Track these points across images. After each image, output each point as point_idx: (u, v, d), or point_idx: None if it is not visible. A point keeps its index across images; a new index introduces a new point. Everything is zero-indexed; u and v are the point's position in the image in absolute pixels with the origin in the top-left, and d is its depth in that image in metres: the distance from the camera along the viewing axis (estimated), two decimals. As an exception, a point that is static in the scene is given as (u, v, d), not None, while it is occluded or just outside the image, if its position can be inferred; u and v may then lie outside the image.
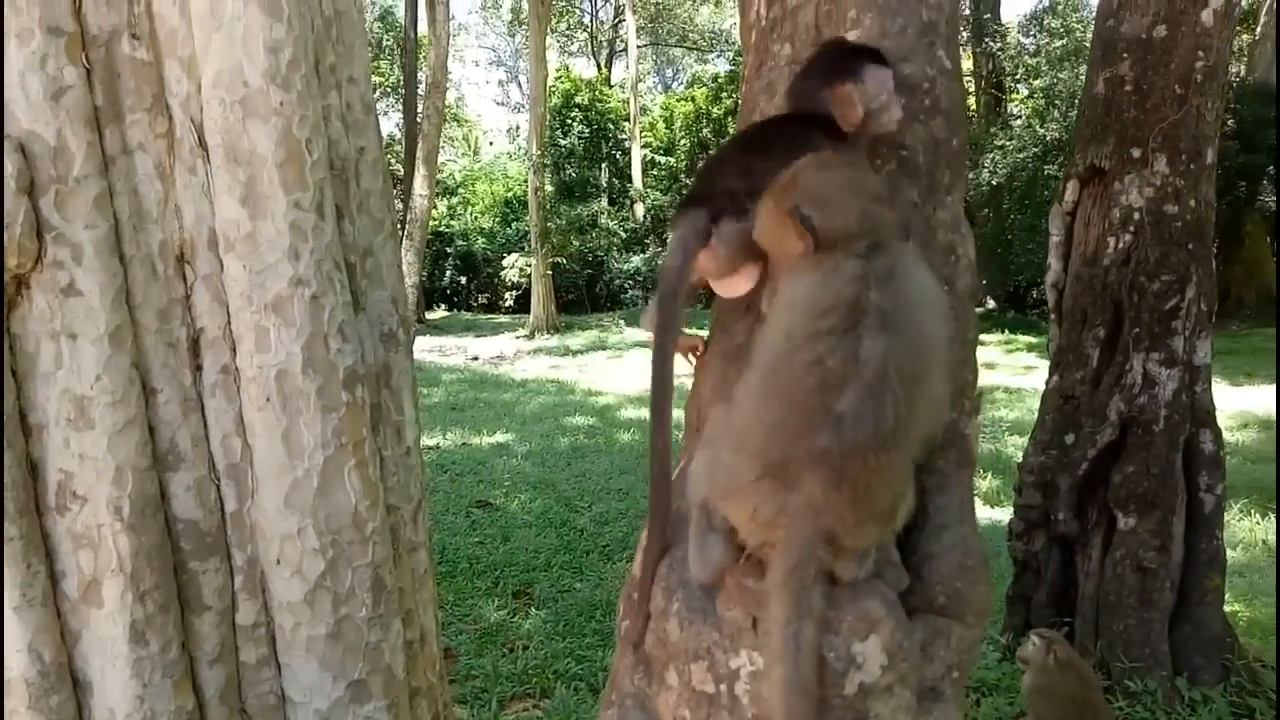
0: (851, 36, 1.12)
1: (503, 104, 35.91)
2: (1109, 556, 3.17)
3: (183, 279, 1.44)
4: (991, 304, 17.79)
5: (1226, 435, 7.81)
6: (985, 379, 11.29)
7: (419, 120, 18.67)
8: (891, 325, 1.02)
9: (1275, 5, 13.56)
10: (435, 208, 22.76)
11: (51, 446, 1.34)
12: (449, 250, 24.97)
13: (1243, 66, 15.10)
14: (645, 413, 9.54)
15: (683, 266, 1.24)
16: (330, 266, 1.45)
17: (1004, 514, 4.81)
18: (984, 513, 5.86)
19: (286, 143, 1.39)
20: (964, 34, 17.80)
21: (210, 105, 1.39)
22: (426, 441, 8.06)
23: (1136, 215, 3.18)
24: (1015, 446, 7.69)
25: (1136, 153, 3.20)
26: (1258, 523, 5.61)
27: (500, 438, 8.33)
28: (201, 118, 1.41)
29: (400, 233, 18.29)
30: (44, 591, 1.35)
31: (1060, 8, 16.61)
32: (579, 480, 6.75)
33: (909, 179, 1.13)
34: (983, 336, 15.30)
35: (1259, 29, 14.55)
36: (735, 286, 1.25)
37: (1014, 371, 12.01)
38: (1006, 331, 15.77)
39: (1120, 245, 3.21)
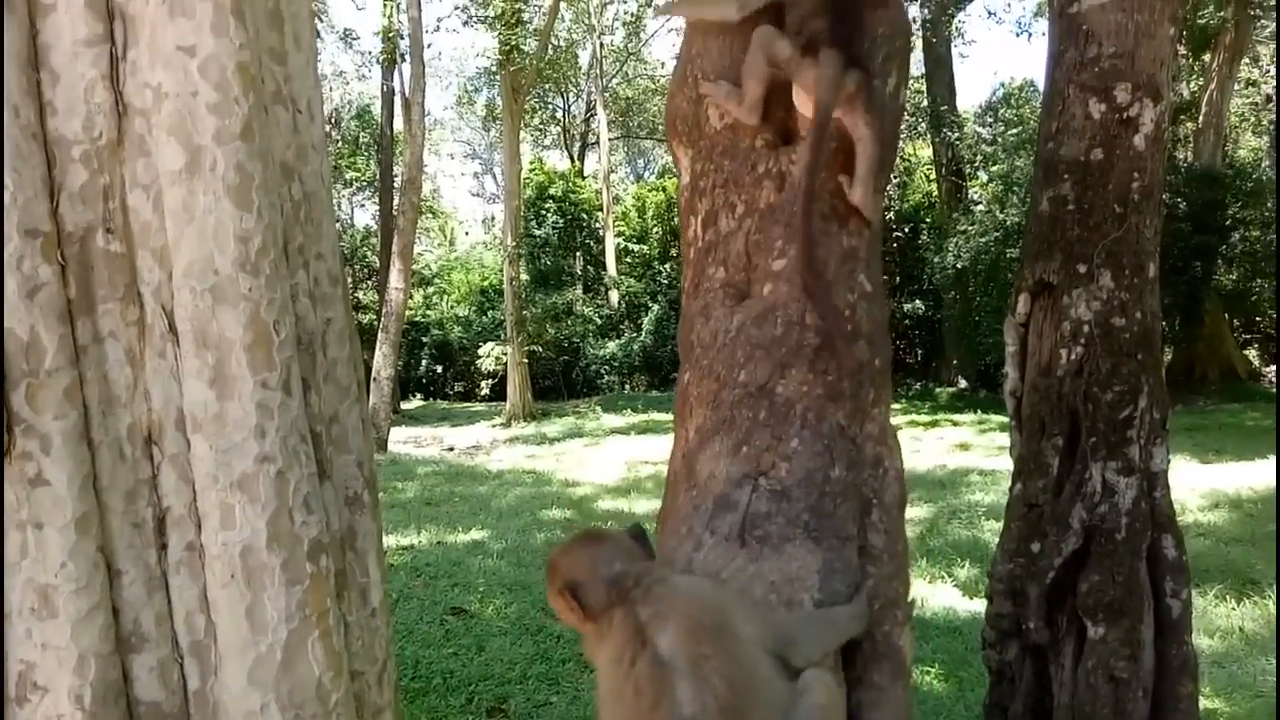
0: (777, 266, 1.20)
1: (478, 195, 36.59)
2: (1081, 666, 3.19)
3: (150, 459, 1.47)
4: (963, 383, 18.03)
5: (1198, 516, 7.87)
6: (959, 461, 11.40)
7: (395, 214, 18.95)
8: (673, 655, 1.22)
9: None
10: (411, 298, 22.92)
11: (14, 637, 1.35)
12: (424, 340, 25.05)
13: (1189, 153, 15.76)
14: (622, 504, 9.52)
15: (830, 105, 1.48)
16: (296, 440, 1.49)
17: (981, 606, 4.82)
18: (962, 604, 5.85)
19: (255, 326, 1.45)
20: (922, 124, 18.50)
21: (181, 293, 1.45)
22: (401, 541, 7.96)
23: (1086, 328, 3.30)
24: (992, 532, 7.71)
25: (1082, 268, 3.34)
26: (1233, 609, 5.63)
27: (476, 535, 8.25)
28: (172, 304, 1.47)
29: (376, 325, 18.40)
30: (1, 781, 1.34)
31: (1013, 99, 17.34)
32: (556, 582, 6.68)
33: (833, 403, 1.20)
34: (955, 417, 15.53)
35: (1200, 118, 15.25)
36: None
37: (988, 452, 12.12)
38: (979, 411, 15.95)
39: (1072, 357, 3.32)
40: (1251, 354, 17.56)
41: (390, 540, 8.14)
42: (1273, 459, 9.42)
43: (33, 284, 1.36)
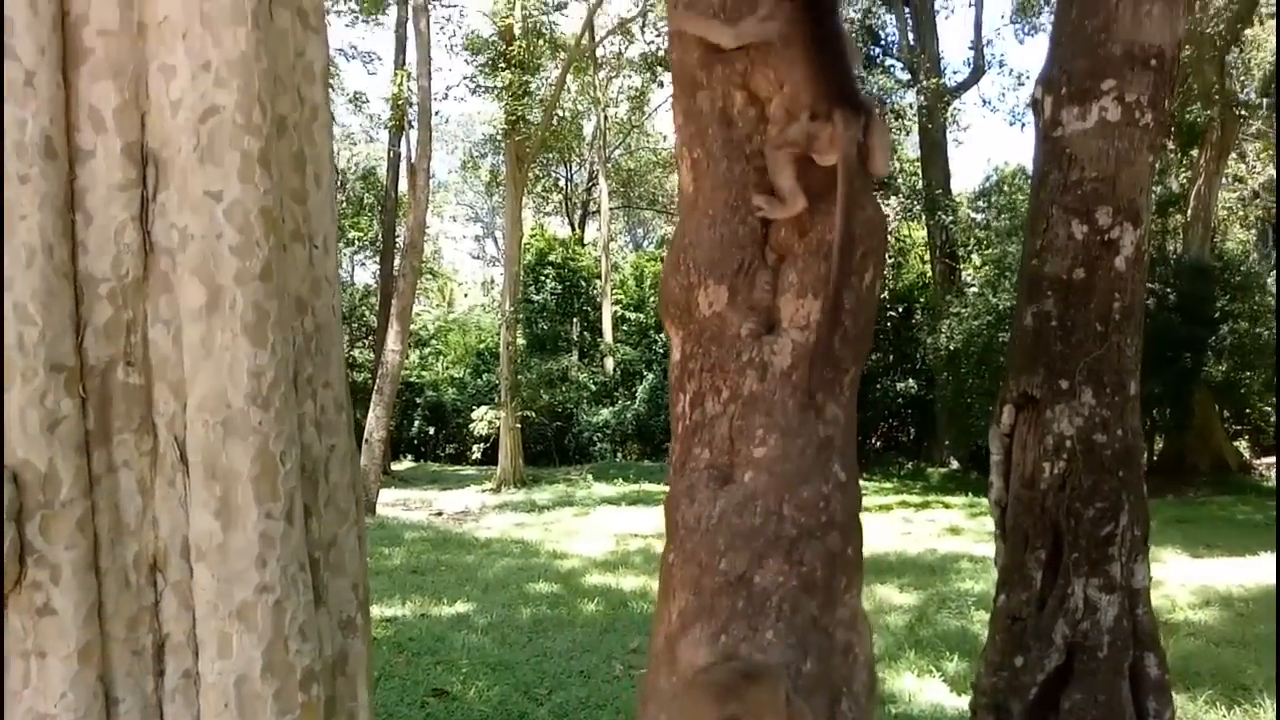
0: (759, 453, 1.28)
1: (479, 258, 37.01)
2: (1064, 784, 3.18)
3: (153, 586, 1.52)
4: (955, 464, 18.06)
5: (1188, 614, 7.83)
6: (950, 546, 11.36)
7: (396, 275, 19.15)
8: None
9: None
10: (407, 358, 23.02)
11: (10, 766, 1.38)
12: (418, 400, 25.06)
13: (1179, 245, 16.09)
14: (610, 579, 9.45)
15: (855, 160, 1.61)
16: (295, 569, 1.54)
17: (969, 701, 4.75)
18: (950, 700, 5.79)
19: (262, 458, 1.52)
20: (917, 206, 18.88)
21: (194, 425, 1.51)
22: (385, 612, 7.87)
23: (1068, 443, 3.37)
24: (981, 623, 7.66)
25: (1065, 384, 3.43)
26: (1224, 716, 5.57)
27: (461, 607, 8.17)
28: (185, 435, 1.53)
29: (370, 384, 18.44)
30: None
31: (1005, 185, 17.75)
32: (540, 661, 6.60)
33: (807, 594, 1.26)
34: (947, 499, 15.52)
35: (1189, 212, 15.61)
36: None
37: (979, 537, 12.08)
38: (970, 494, 15.93)
39: (1055, 471, 3.38)
40: (1242, 445, 17.66)
41: (375, 610, 8.04)
42: (1266, 555, 9.42)
43: (54, 417, 1.43)
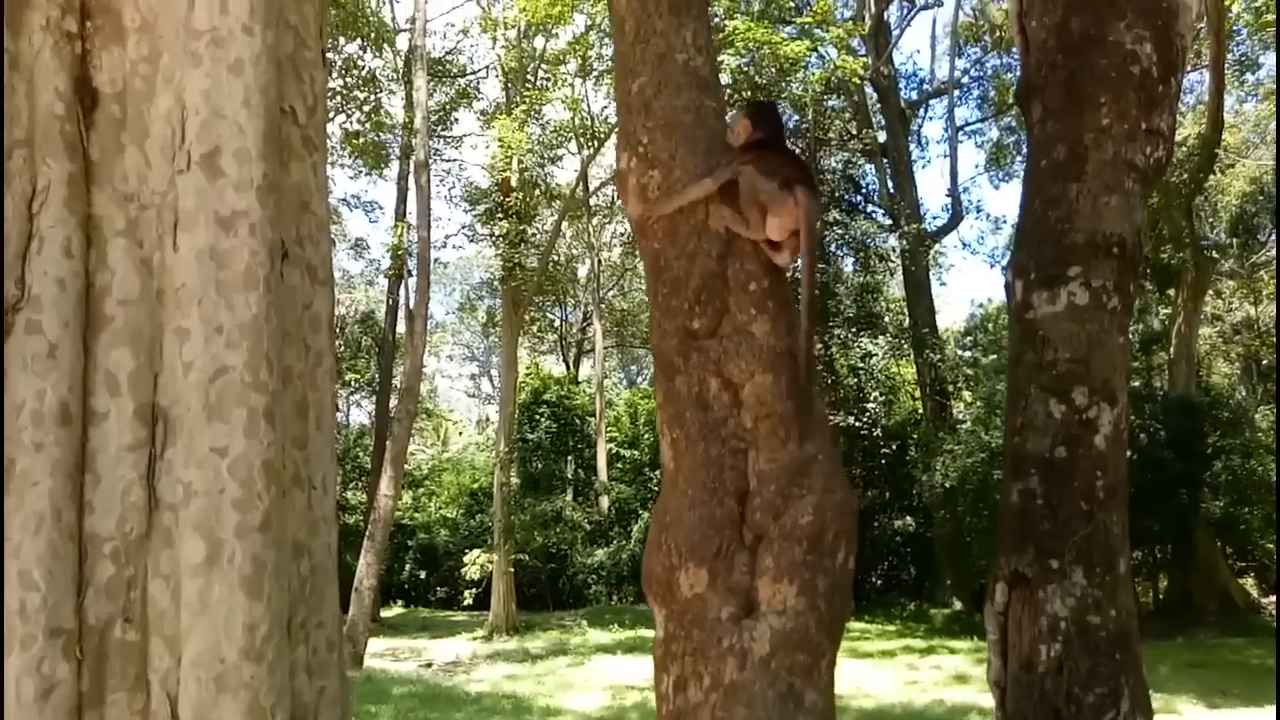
0: None
1: (474, 395, 37.25)
2: None
3: None
4: (958, 604, 17.67)
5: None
6: (958, 696, 10.99)
7: (391, 418, 19.23)
8: None
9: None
10: (400, 499, 22.81)
11: None
12: (410, 543, 24.69)
13: (1164, 382, 16.34)
14: (606, 744, 9.04)
15: (816, 228, 2.18)
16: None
17: None
18: None
19: (253, 712, 1.53)
20: (905, 344, 19.23)
21: (187, 681, 1.53)
22: (371, 785, 7.53)
23: (1063, 625, 3.35)
24: (993, 789, 7.34)
25: (1055, 564, 3.44)
26: None
27: (450, 779, 7.83)
28: (178, 691, 1.55)
29: (362, 527, 18.18)
30: None
31: (990, 324, 18.16)
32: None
33: None
34: (951, 643, 15.10)
35: (1172, 349, 15.93)
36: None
37: (982, 687, 11.72)
38: (974, 637, 15.52)
39: (1052, 654, 3.35)
40: (1248, 583, 17.36)
41: (359, 783, 7.67)
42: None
43: (49, 684, 1.45)
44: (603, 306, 27.15)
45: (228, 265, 1.66)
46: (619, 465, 24.55)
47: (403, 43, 19.93)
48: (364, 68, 18.53)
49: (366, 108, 18.94)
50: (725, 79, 16.49)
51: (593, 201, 23.87)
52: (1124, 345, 3.71)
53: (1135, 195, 3.81)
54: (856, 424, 17.93)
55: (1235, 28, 15.34)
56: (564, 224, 22.36)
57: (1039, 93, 3.98)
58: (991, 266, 28.47)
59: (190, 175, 1.67)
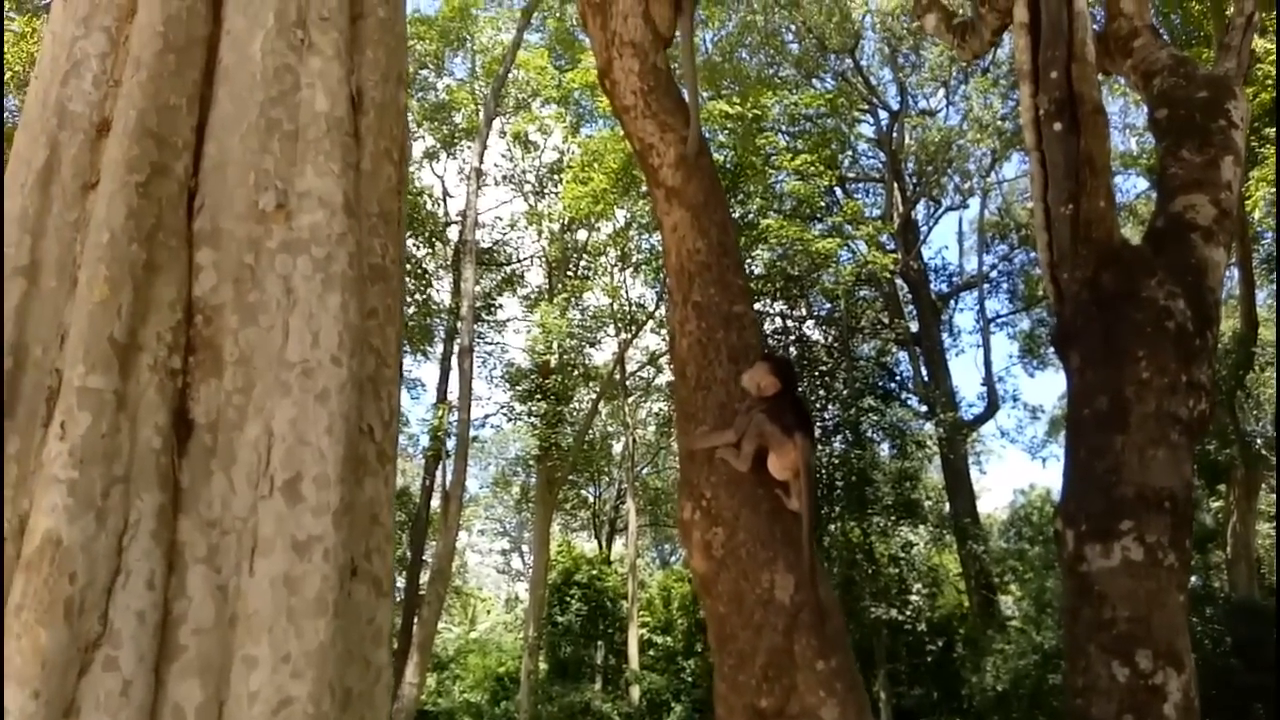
0: None
1: (504, 572, 36.57)
2: None
3: None
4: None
5: None
6: None
7: (421, 602, 18.87)
8: None
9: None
10: (425, 683, 22.00)
11: None
12: (433, 733, 23.60)
13: (1224, 583, 15.64)
14: None
15: (812, 467, 2.83)
16: None
17: None
18: None
19: None
20: (947, 535, 18.75)
21: None
22: None
23: None
24: None
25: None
26: None
27: None
28: None
29: None
30: None
31: (1034, 516, 17.72)
32: None
33: None
34: None
35: (1229, 549, 15.36)
36: None
37: None
38: None
39: None
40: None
41: None
42: None
43: None
44: (637, 485, 27.02)
45: (300, 591, 1.71)
46: (650, 652, 23.61)
47: (453, 233, 21.06)
48: (416, 261, 19.50)
49: (418, 297, 19.78)
50: (758, 270, 17.07)
51: (628, 382, 24.29)
52: (1184, 604, 3.60)
53: (1182, 448, 3.80)
54: (900, 617, 17.22)
55: (1259, 231, 15.75)
56: (600, 404, 22.67)
57: (1075, 341, 4.07)
58: (1032, 458, 28.12)
59: (272, 500, 1.75)
